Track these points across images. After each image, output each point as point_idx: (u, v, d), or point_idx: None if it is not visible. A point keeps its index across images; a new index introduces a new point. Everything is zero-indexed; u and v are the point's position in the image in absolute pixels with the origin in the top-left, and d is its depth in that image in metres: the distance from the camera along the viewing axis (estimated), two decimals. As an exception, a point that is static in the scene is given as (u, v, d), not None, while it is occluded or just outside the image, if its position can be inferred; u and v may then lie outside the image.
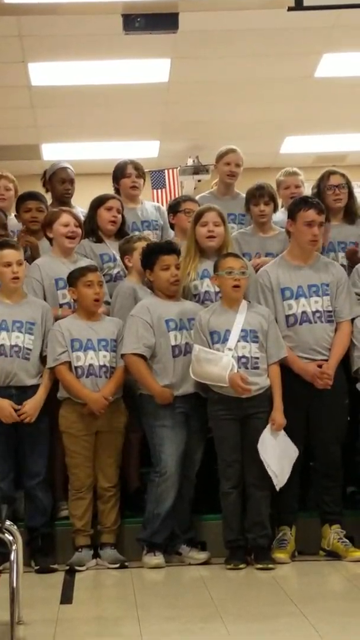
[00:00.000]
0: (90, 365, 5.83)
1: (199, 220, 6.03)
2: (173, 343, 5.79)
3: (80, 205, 6.83)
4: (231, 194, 6.89)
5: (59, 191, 6.88)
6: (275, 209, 6.48)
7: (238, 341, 5.67)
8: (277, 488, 5.62)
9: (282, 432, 5.65)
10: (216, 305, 5.83)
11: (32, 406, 5.77)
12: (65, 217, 6.21)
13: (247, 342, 5.69)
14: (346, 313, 5.90)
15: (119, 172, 6.81)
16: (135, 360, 5.76)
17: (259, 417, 5.67)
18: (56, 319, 5.97)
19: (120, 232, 6.50)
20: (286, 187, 6.87)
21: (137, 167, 6.79)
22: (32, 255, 6.38)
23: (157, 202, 8.93)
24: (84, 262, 6.12)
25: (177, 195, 11.52)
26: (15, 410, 5.73)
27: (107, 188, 7.00)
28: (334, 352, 5.83)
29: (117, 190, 6.81)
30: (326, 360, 5.81)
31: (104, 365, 5.84)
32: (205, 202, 6.51)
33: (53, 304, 6.12)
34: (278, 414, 5.66)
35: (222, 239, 6.03)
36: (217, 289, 5.88)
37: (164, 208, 6.93)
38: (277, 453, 5.61)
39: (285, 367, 5.78)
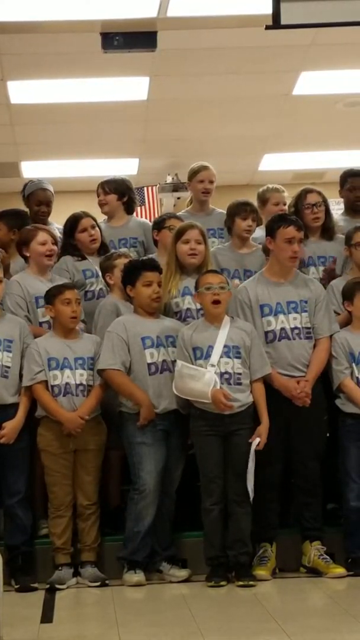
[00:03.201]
0: (67, 384, 5.82)
1: (180, 237, 6.04)
2: (149, 360, 5.79)
3: (59, 223, 6.83)
4: (206, 211, 6.90)
5: (34, 212, 6.89)
6: (257, 226, 6.51)
7: (221, 357, 5.68)
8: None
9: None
10: (199, 322, 5.84)
11: (11, 428, 5.75)
12: (42, 236, 6.22)
13: (230, 357, 5.70)
14: (325, 330, 5.92)
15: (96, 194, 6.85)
16: (115, 373, 5.75)
17: (241, 433, 5.68)
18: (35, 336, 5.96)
19: (102, 248, 6.52)
20: (275, 203, 6.86)
21: (104, 185, 6.82)
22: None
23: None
24: (60, 281, 6.12)
25: (156, 213, 11.54)
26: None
27: (86, 205, 7.01)
28: (311, 369, 5.85)
29: None
30: (304, 376, 5.82)
31: (81, 384, 5.83)
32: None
33: (34, 322, 6.11)
34: (264, 430, 5.65)
35: (203, 256, 6.05)
36: (199, 306, 5.89)
37: (150, 225, 6.93)
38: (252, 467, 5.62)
39: (264, 383, 5.79)
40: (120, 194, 6.81)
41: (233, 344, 5.71)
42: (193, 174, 6.90)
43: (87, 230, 6.49)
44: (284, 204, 6.88)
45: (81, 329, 6.07)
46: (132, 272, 5.89)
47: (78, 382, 5.83)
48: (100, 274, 6.37)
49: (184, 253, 6.03)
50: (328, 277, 6.30)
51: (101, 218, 6.83)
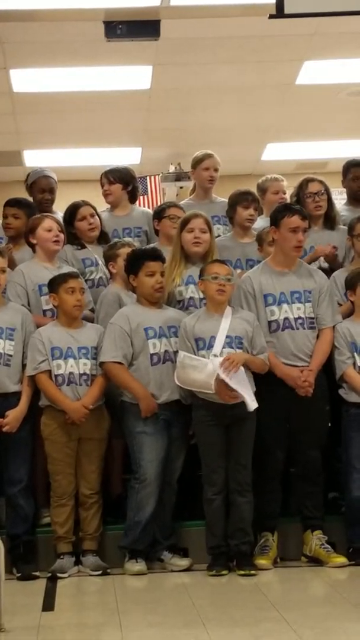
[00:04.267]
0: (71, 373, 5.81)
1: (185, 226, 6.04)
2: (152, 351, 5.79)
3: (62, 211, 6.83)
4: (210, 198, 6.91)
5: (37, 200, 6.89)
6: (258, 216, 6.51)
7: (223, 347, 5.68)
8: (252, 408, 5.57)
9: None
10: (201, 312, 5.84)
11: (14, 417, 5.75)
12: (47, 222, 6.21)
13: (233, 348, 5.69)
14: (328, 320, 5.92)
15: (100, 184, 6.83)
16: (115, 367, 5.75)
17: (244, 423, 5.67)
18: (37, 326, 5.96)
19: (102, 236, 6.51)
20: (275, 192, 6.87)
21: (108, 174, 6.80)
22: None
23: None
24: (66, 269, 6.11)
25: (159, 202, 11.52)
26: (-2, 420, 5.74)
27: (89, 194, 7.01)
28: (314, 359, 5.84)
29: None
30: (307, 366, 5.82)
31: (85, 373, 5.83)
32: (186, 209, 6.52)
33: (37, 310, 6.11)
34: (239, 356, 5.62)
35: (207, 245, 6.04)
36: (202, 295, 5.89)
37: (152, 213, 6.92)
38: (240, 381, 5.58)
39: (267, 372, 5.79)
40: (125, 183, 6.80)
41: (235, 334, 5.71)
42: (197, 161, 6.89)
43: (86, 219, 6.49)
44: (284, 193, 6.89)
45: (86, 318, 6.05)
46: (135, 262, 5.88)
47: (82, 372, 5.83)
48: (99, 262, 6.36)
49: (188, 242, 6.03)
50: (330, 263, 6.29)
51: (103, 207, 6.82)
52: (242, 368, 5.60)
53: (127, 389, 5.76)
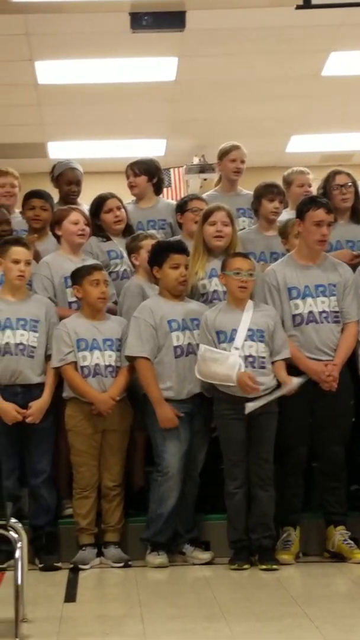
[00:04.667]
0: (97, 365, 5.82)
1: (207, 219, 6.01)
2: (175, 344, 5.78)
3: (87, 203, 6.83)
4: (236, 190, 6.89)
5: (64, 192, 6.88)
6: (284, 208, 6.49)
7: (245, 340, 5.66)
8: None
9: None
10: (222, 305, 5.82)
11: (37, 408, 5.76)
12: (74, 215, 6.20)
13: (254, 341, 5.67)
14: (353, 314, 5.88)
15: (126, 176, 6.82)
16: (141, 363, 5.74)
17: (265, 417, 5.66)
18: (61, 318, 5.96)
19: (127, 229, 6.50)
20: (300, 185, 6.85)
21: (133, 166, 6.78)
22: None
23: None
24: (90, 261, 6.11)
25: (182, 194, 11.50)
26: (21, 411, 5.73)
27: (113, 186, 6.99)
28: (339, 353, 5.81)
29: None
30: (332, 360, 5.80)
31: (110, 365, 5.83)
32: (211, 200, 6.50)
33: (62, 302, 6.11)
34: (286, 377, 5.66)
35: (229, 239, 6.02)
36: (225, 288, 5.87)
37: None
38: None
39: (290, 366, 5.77)
40: (151, 175, 6.78)
41: (257, 328, 5.69)
42: (224, 153, 6.86)
43: (112, 211, 6.48)
44: (309, 186, 6.86)
45: (109, 310, 6.05)
46: (160, 254, 5.87)
47: (107, 364, 5.83)
48: (124, 255, 6.35)
49: (210, 235, 6.01)
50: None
51: (128, 199, 6.80)
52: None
53: (146, 389, 5.75)
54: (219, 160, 6.94)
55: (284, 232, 6.22)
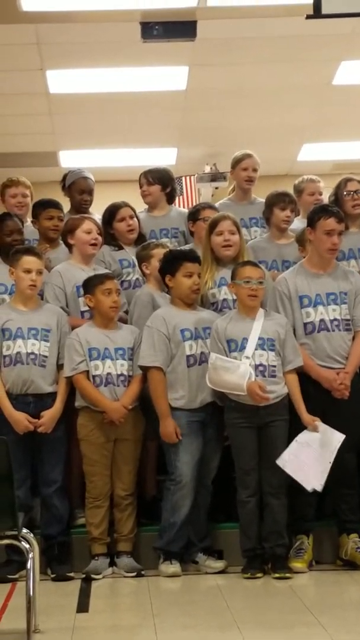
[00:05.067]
0: (109, 374, 5.82)
1: (214, 229, 6.02)
2: (188, 353, 5.79)
3: (99, 212, 6.84)
4: (249, 199, 6.89)
5: (77, 201, 6.88)
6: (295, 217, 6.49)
7: (255, 349, 5.66)
8: (320, 488, 5.57)
9: (320, 425, 5.64)
10: (233, 313, 5.82)
11: (49, 417, 5.77)
12: (87, 224, 6.21)
13: (265, 350, 5.67)
14: (364, 322, 5.88)
15: (139, 184, 6.83)
16: (153, 373, 5.74)
17: (276, 425, 5.66)
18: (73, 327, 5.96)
19: (140, 238, 6.51)
20: (311, 193, 6.86)
21: (147, 175, 6.78)
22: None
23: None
24: (101, 271, 6.12)
25: (194, 203, 11.51)
26: (32, 421, 5.74)
27: (124, 195, 7.00)
28: (351, 361, 5.81)
29: None
30: (343, 368, 5.79)
31: (122, 374, 5.84)
32: (224, 209, 6.51)
33: (75, 312, 6.12)
34: (305, 416, 5.63)
35: (238, 247, 6.03)
36: (235, 297, 5.87)
37: None
38: (312, 455, 5.57)
39: (301, 374, 5.76)
40: (164, 184, 6.78)
41: (268, 337, 5.69)
42: (237, 162, 6.88)
43: (125, 220, 6.48)
44: (320, 194, 6.86)
45: (120, 319, 6.06)
46: (173, 262, 5.87)
47: (119, 373, 5.83)
48: (136, 264, 6.36)
49: (218, 245, 6.01)
50: None
51: (140, 207, 6.81)
52: (328, 430, 5.60)
53: (154, 400, 5.75)
54: (232, 169, 6.95)
55: (301, 240, 6.21)
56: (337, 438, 5.62)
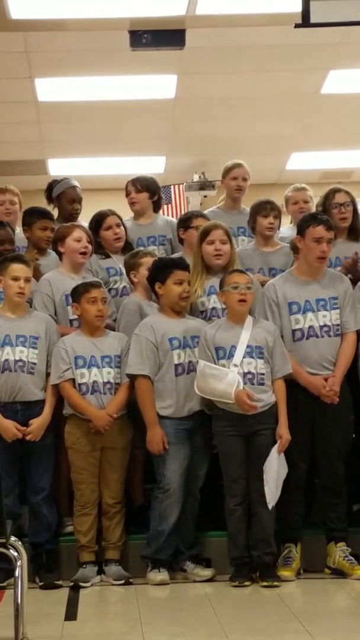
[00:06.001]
0: (95, 382, 5.82)
1: (205, 237, 6.03)
2: (176, 361, 5.78)
3: (85, 221, 6.84)
4: (238, 209, 6.91)
5: (67, 211, 6.88)
6: (278, 226, 6.50)
7: (244, 357, 5.66)
8: (270, 506, 5.58)
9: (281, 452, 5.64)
10: (221, 321, 5.83)
11: (37, 426, 5.76)
12: (78, 233, 6.21)
13: (253, 358, 5.68)
14: (352, 324, 5.89)
15: (125, 192, 6.83)
16: (140, 382, 5.74)
17: (264, 433, 5.66)
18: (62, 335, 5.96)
19: (127, 246, 6.51)
20: (295, 202, 6.90)
21: (135, 183, 6.79)
22: (33, 276, 6.34)
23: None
24: (90, 279, 6.12)
25: (182, 211, 11.52)
26: (21, 428, 5.73)
27: (113, 203, 7.00)
28: (339, 364, 5.81)
29: None
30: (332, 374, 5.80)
31: (108, 382, 5.84)
32: (213, 217, 6.52)
33: (64, 320, 6.12)
34: (284, 429, 5.65)
35: (228, 257, 6.04)
36: (224, 306, 5.87)
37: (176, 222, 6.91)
38: (276, 471, 5.59)
39: (290, 381, 5.77)
40: (152, 192, 6.80)
41: (256, 344, 5.69)
42: (227, 171, 6.91)
43: (112, 228, 6.49)
44: (305, 202, 6.87)
45: (109, 327, 6.06)
46: (163, 270, 5.87)
47: (105, 380, 5.83)
48: (124, 272, 6.36)
49: (209, 254, 6.02)
50: (350, 272, 6.26)
51: (126, 216, 6.82)
52: (283, 458, 5.59)
53: (142, 409, 5.75)
54: (222, 178, 6.98)
55: (296, 248, 6.21)
56: (286, 468, 5.60)
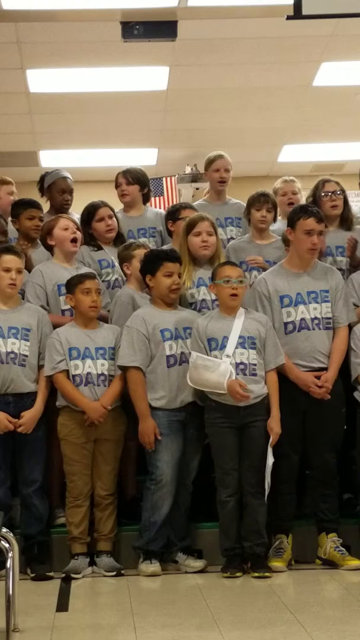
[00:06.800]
0: (89, 373, 5.82)
1: (191, 229, 6.04)
2: (168, 353, 5.79)
3: (77, 212, 6.83)
4: (223, 200, 6.92)
5: (58, 201, 6.88)
6: (274, 219, 6.49)
7: (236, 348, 5.67)
8: (265, 498, 5.60)
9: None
10: (214, 313, 5.83)
11: (29, 417, 5.75)
12: (63, 222, 6.22)
13: (245, 348, 5.68)
14: (344, 319, 5.90)
15: (115, 184, 6.83)
16: (132, 373, 5.74)
17: (256, 425, 5.67)
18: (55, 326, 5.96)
19: (119, 238, 6.51)
20: (283, 193, 6.90)
21: (126, 174, 6.79)
22: (25, 267, 6.35)
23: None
24: (84, 270, 6.12)
25: (175, 203, 11.51)
26: (13, 420, 5.73)
27: (105, 195, 7.00)
28: (333, 360, 5.82)
29: None
30: (324, 367, 5.80)
31: (102, 374, 5.83)
32: (200, 209, 6.51)
33: (56, 310, 6.12)
34: (275, 422, 5.65)
35: (214, 248, 6.05)
36: (214, 297, 5.88)
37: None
38: (270, 464, 5.61)
39: (282, 374, 5.78)
40: (142, 184, 6.80)
41: (248, 335, 5.70)
42: (209, 163, 6.91)
43: (104, 220, 6.48)
44: (293, 193, 6.87)
45: (103, 319, 6.06)
46: (153, 262, 5.87)
47: (99, 372, 5.83)
48: (116, 264, 6.36)
49: (196, 245, 6.03)
50: (351, 253, 6.26)
51: (116, 208, 6.81)
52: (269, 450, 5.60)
53: (134, 401, 5.75)
54: (205, 171, 6.99)
55: (287, 240, 6.22)
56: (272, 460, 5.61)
